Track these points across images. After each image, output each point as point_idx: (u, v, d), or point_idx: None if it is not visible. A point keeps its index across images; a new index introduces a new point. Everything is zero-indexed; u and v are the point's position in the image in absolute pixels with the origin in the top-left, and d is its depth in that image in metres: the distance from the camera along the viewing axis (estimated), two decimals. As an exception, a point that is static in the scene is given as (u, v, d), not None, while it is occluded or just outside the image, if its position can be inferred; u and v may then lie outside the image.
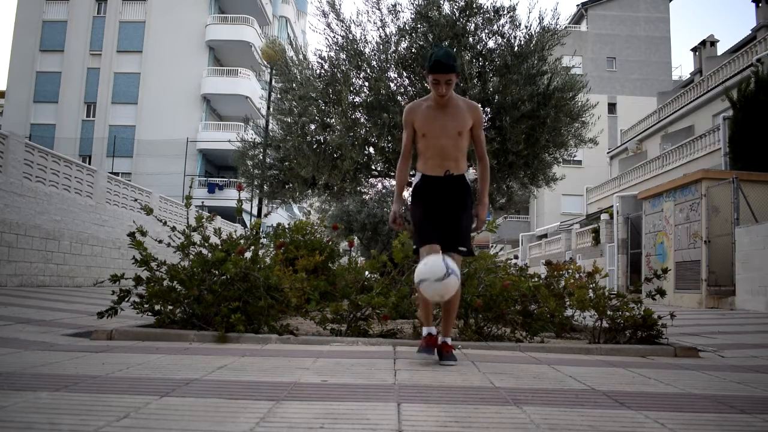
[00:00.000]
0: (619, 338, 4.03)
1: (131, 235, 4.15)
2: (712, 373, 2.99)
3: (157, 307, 4.09)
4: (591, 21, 37.92)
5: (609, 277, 16.45)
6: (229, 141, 10.97)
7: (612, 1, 37.82)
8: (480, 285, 4.22)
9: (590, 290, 4.11)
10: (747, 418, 1.95)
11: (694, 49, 30.21)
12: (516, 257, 5.58)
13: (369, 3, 7.06)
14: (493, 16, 6.98)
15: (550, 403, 2.11)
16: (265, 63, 13.62)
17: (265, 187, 9.20)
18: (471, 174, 6.95)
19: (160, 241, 4.26)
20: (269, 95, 12.20)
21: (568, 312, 4.41)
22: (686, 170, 16.88)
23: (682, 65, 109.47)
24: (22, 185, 10.64)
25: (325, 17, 7.19)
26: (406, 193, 3.93)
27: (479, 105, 3.57)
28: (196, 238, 4.33)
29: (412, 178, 3.31)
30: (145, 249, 4.12)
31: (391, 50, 6.99)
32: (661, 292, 4.10)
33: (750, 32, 26.50)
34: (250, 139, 10.01)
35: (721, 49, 35.68)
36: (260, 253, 4.58)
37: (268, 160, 9.72)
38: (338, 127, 6.90)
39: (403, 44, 6.98)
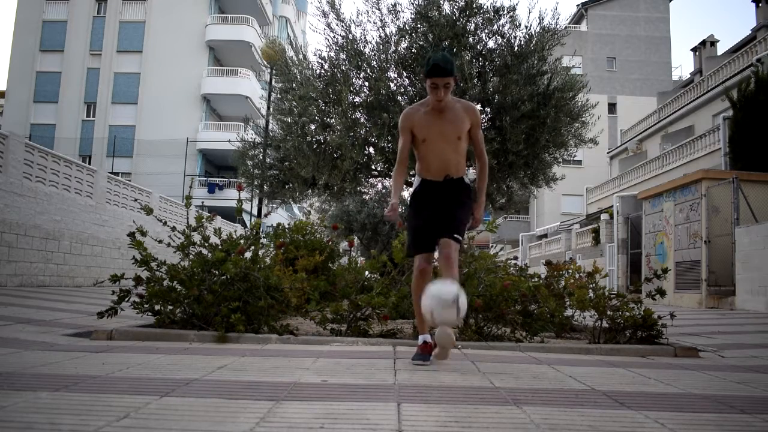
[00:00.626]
0: (619, 338, 4.03)
1: (131, 235, 4.15)
2: (712, 373, 2.99)
3: (157, 307, 4.09)
4: (591, 21, 37.92)
5: (609, 277, 16.44)
6: (229, 141, 10.97)
7: (612, 1, 37.82)
8: (480, 285, 4.22)
9: (590, 290, 4.11)
10: (747, 418, 1.95)
11: (694, 49, 30.22)
12: (515, 258, 5.58)
13: (369, 3, 7.06)
14: (493, 16, 6.98)
15: (550, 403, 2.11)
16: (265, 63, 13.62)
17: (265, 187, 9.20)
18: (471, 174, 6.95)
19: (160, 241, 4.25)
20: (269, 95, 12.19)
21: (568, 312, 4.41)
22: (686, 170, 16.88)
23: (682, 65, 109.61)
24: (22, 185, 10.64)
25: (325, 17, 7.20)
26: (405, 193, 3.93)
27: (476, 105, 3.55)
28: (196, 238, 4.33)
29: (412, 178, 3.29)
30: (145, 249, 4.12)
31: (391, 50, 6.99)
32: (661, 292, 4.10)
33: (750, 32, 26.51)
34: (250, 139, 10.01)
35: (721, 49, 35.74)
36: (260, 253, 4.58)
37: (268, 160, 9.72)
38: (338, 127, 6.90)
39: (403, 44, 6.98)
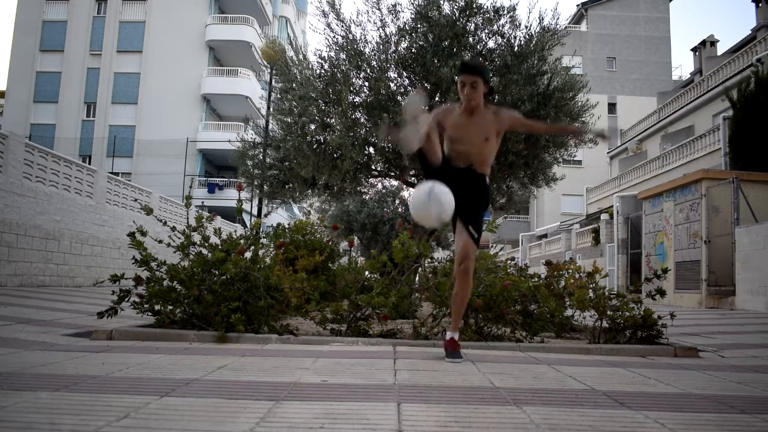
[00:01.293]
0: (619, 338, 4.03)
1: (131, 235, 4.15)
2: (712, 373, 2.99)
3: (157, 307, 4.09)
4: (591, 21, 37.92)
5: (609, 277, 16.45)
6: (229, 141, 10.96)
7: (612, 1, 37.82)
8: (480, 285, 4.22)
9: (590, 290, 4.11)
10: (747, 418, 1.95)
11: (694, 49, 30.21)
12: (513, 258, 5.59)
13: (369, 3, 7.05)
14: (493, 16, 6.97)
15: (550, 403, 2.11)
16: (265, 63, 13.62)
17: (265, 187, 9.19)
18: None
19: (160, 241, 4.25)
20: (269, 95, 12.19)
21: (568, 312, 4.41)
22: (686, 170, 16.88)
23: (682, 65, 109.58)
24: (22, 185, 10.64)
25: (325, 17, 7.19)
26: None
27: (503, 107, 3.64)
28: (196, 238, 4.33)
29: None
30: (145, 249, 4.12)
31: (391, 50, 6.99)
32: (661, 292, 4.10)
33: (750, 32, 26.50)
34: (250, 139, 10.00)
35: (721, 49, 35.75)
36: (260, 253, 4.58)
37: (268, 160, 9.71)
38: (338, 127, 6.89)
39: (403, 44, 6.97)
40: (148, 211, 4.38)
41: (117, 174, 21.08)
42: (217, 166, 32.29)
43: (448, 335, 3.20)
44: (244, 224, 18.41)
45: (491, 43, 7.19)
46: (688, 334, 5.17)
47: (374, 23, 7.12)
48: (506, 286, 4.07)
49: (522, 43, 7.02)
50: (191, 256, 4.19)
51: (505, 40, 7.08)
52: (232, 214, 16.28)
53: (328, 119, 7.30)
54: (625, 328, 4.03)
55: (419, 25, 6.89)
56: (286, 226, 6.76)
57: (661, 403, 2.16)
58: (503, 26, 7.07)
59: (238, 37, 30.84)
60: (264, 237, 5.05)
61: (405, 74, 7.12)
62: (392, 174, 7.99)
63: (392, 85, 7.17)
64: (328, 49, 7.30)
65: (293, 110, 7.43)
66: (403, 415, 1.84)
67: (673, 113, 23.79)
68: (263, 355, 3.21)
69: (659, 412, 1.98)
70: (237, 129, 21.45)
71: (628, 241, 16.54)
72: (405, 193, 18.50)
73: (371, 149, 7.43)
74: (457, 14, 6.83)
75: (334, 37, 7.22)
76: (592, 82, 10.51)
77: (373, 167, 7.92)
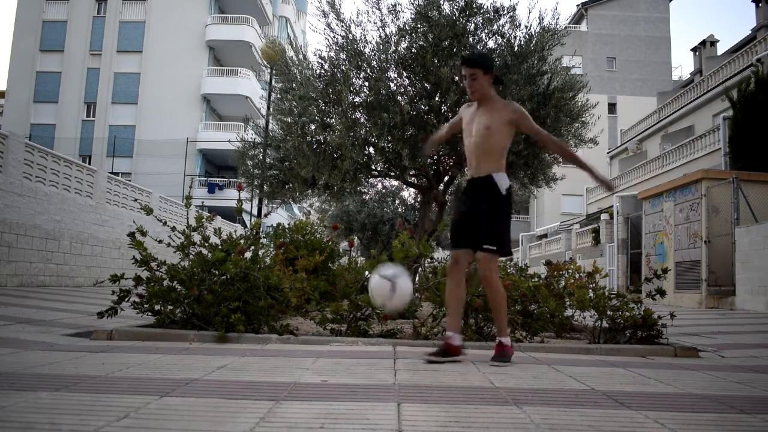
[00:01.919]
0: (619, 338, 4.03)
1: (131, 235, 4.15)
2: (712, 373, 2.99)
3: (157, 307, 4.09)
4: (591, 21, 37.92)
5: (609, 277, 16.44)
6: (229, 141, 10.95)
7: (612, 1, 37.83)
8: (480, 285, 4.21)
9: (590, 290, 4.11)
10: (747, 418, 1.95)
11: (694, 49, 30.22)
12: (513, 258, 5.59)
13: (369, 3, 7.05)
14: (493, 16, 6.96)
15: (550, 403, 2.11)
16: (265, 63, 13.62)
17: (265, 187, 9.18)
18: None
19: (160, 241, 4.25)
20: (269, 95, 12.18)
21: (568, 312, 4.41)
22: (686, 170, 16.88)
23: (682, 65, 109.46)
24: (22, 185, 10.64)
25: (325, 17, 7.19)
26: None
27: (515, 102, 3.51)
28: (196, 238, 4.33)
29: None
30: (145, 249, 4.12)
31: (391, 50, 6.98)
32: (661, 292, 4.10)
33: (750, 32, 26.52)
34: (250, 139, 9.99)
35: (721, 49, 35.75)
36: (260, 253, 4.58)
37: (268, 160, 9.70)
38: (338, 127, 6.89)
39: (403, 44, 6.97)
40: (148, 211, 4.38)
41: (117, 174, 21.08)
42: (217, 166, 32.29)
43: (505, 341, 3.13)
44: (244, 224, 18.40)
45: (491, 43, 7.19)
46: (688, 334, 5.17)
47: (374, 23, 7.12)
48: (506, 286, 4.06)
49: (522, 43, 7.02)
50: (191, 256, 4.19)
51: (505, 40, 7.08)
52: (232, 214, 16.29)
53: (328, 119, 7.30)
54: (625, 328, 4.03)
55: (419, 25, 6.88)
56: (286, 226, 6.77)
57: (661, 403, 2.16)
58: (503, 26, 7.06)
59: (238, 37, 30.84)
60: (264, 237, 5.05)
61: (405, 74, 7.12)
62: (392, 174, 7.99)
63: (392, 85, 7.16)
64: (328, 49, 7.30)
65: (293, 110, 7.43)
66: (403, 415, 1.84)
67: (673, 113, 23.79)
68: (263, 355, 3.21)
69: (659, 412, 1.98)
70: (237, 129, 21.45)
71: (628, 241, 16.54)
72: (405, 193, 18.51)
73: (371, 149, 7.43)
74: (457, 14, 6.83)
75: (334, 37, 7.21)
76: (592, 82, 10.51)
77: (373, 167, 7.92)
